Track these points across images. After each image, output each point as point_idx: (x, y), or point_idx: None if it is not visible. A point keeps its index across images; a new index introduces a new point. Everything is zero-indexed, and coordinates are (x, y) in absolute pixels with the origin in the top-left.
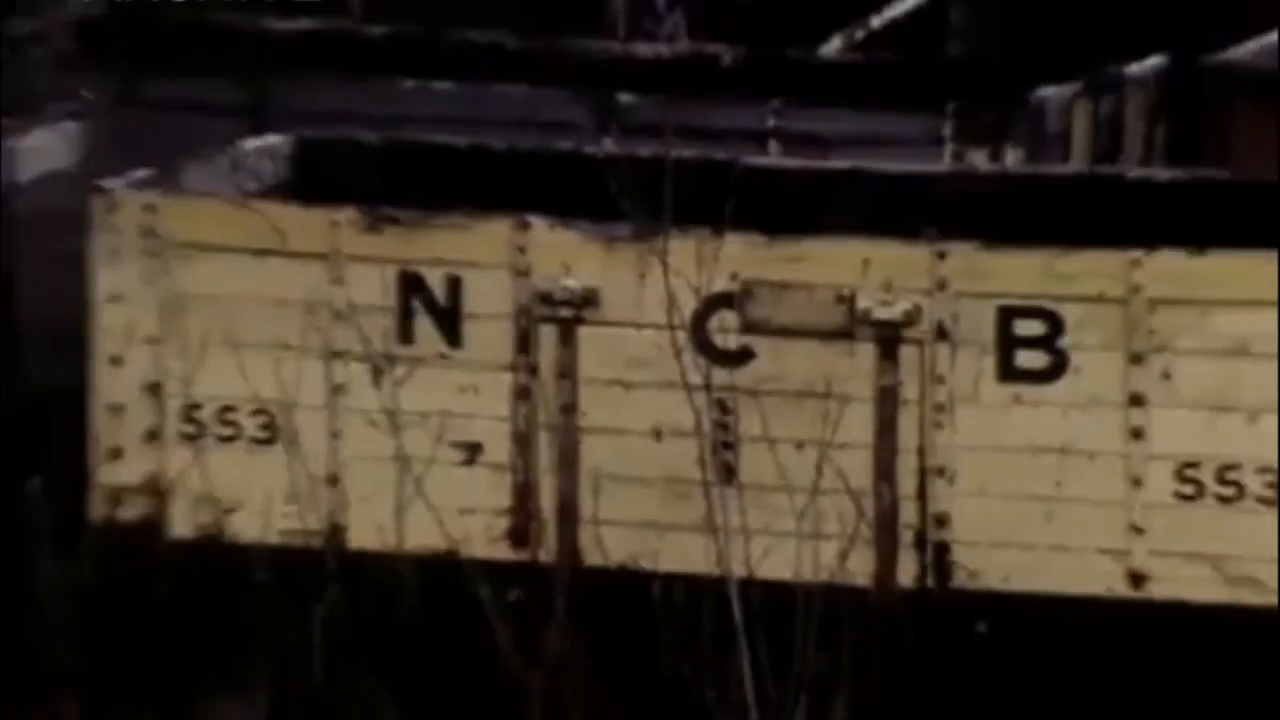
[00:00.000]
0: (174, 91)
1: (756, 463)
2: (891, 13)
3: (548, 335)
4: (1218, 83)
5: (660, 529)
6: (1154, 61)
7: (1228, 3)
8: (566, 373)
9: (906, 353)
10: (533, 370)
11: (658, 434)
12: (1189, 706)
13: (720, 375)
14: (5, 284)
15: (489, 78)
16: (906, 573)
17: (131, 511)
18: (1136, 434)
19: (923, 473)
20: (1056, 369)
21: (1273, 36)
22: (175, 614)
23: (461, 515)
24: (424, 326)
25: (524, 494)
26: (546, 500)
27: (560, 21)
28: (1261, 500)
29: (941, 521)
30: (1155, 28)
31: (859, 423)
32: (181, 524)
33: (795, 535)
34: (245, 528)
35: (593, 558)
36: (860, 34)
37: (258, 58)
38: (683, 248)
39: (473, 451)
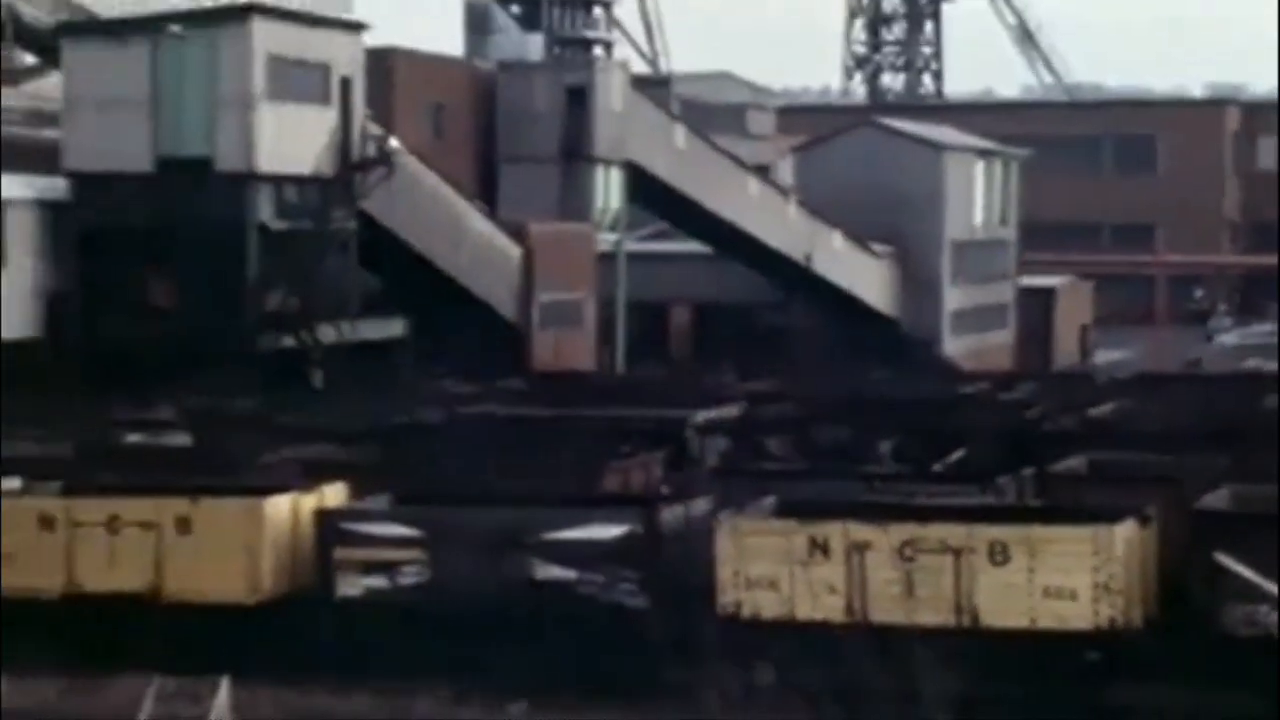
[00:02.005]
0: None
1: (921, 590)
2: None
3: (856, 556)
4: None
5: (891, 611)
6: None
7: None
8: (862, 571)
9: (964, 557)
10: (852, 568)
11: (889, 583)
12: None
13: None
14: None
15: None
16: (960, 619)
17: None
18: (1030, 579)
19: (969, 590)
20: (1005, 562)
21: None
22: None
23: (830, 608)
24: (817, 553)
25: (851, 602)
26: (856, 604)
27: None
28: (1055, 595)
29: (974, 604)
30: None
31: (949, 579)
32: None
33: (932, 611)
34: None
35: (874, 618)
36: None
37: None
38: (892, 527)
39: (833, 590)
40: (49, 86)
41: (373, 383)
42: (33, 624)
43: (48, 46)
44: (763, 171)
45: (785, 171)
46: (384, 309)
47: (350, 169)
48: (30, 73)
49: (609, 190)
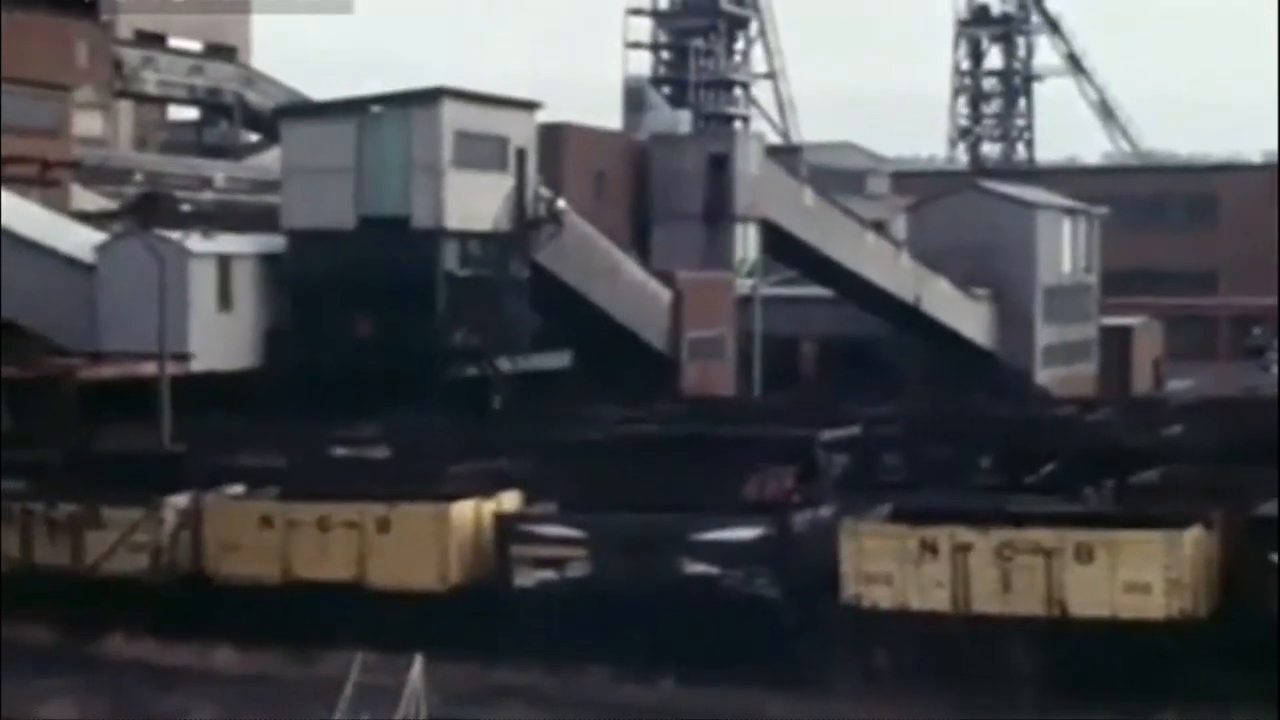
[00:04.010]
0: None
1: (1017, 585)
2: None
3: (960, 556)
4: None
5: (990, 603)
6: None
7: None
8: (966, 569)
9: (1054, 557)
10: (957, 566)
11: (989, 579)
12: None
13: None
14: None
15: None
16: (1050, 610)
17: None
18: (1112, 576)
19: (1059, 585)
20: (1089, 562)
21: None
22: None
23: (937, 600)
24: (926, 553)
25: (956, 595)
26: (960, 596)
27: None
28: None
29: (1063, 597)
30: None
31: (1041, 576)
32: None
33: (1026, 603)
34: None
35: (976, 609)
36: None
37: None
38: (992, 531)
39: (940, 585)
40: (269, 159)
41: (544, 406)
42: (255, 605)
43: (268, 126)
44: (879, 227)
45: (899, 227)
46: (553, 343)
47: (524, 226)
48: (254, 149)
49: (746, 243)
